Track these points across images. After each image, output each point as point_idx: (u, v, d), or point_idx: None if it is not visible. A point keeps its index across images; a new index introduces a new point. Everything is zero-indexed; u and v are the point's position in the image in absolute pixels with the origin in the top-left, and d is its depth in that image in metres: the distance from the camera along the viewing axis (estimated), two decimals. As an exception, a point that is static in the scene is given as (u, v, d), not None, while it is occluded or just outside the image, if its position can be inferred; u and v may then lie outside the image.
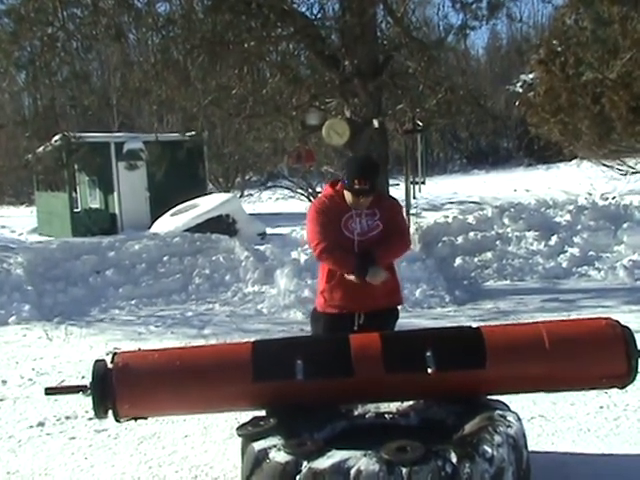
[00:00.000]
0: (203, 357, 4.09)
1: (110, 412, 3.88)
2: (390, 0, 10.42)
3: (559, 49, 15.61)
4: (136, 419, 4.10)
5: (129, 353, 4.26)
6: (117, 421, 3.97)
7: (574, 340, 3.97)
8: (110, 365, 3.91)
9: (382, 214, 4.38)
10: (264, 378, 3.82)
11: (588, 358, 3.92)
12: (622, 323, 4.04)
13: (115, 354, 4.02)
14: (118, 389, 3.82)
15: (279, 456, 3.36)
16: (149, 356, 4.10)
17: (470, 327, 4.25)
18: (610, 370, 3.95)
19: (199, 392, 3.90)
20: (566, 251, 11.03)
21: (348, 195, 4.33)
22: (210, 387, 3.89)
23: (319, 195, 4.66)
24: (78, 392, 3.98)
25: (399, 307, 4.67)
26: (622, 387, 4.08)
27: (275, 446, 3.42)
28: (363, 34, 9.83)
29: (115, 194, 20.18)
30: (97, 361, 3.98)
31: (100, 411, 3.88)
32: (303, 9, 10.62)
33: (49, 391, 4.17)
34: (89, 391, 3.88)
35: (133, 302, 10.48)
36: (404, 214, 4.75)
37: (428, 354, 3.82)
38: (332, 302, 4.45)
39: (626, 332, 3.97)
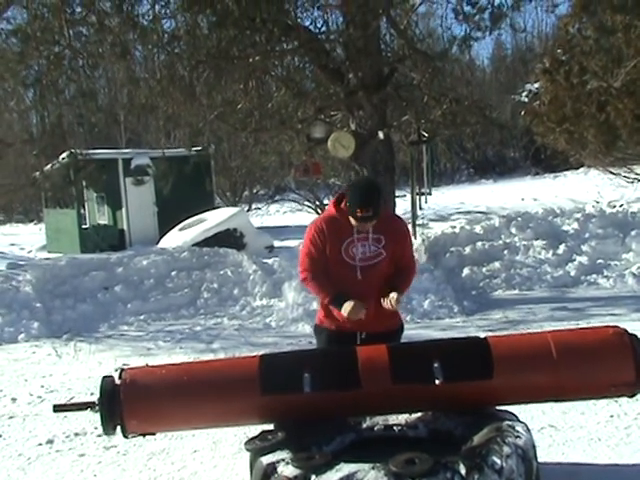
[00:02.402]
0: (211, 372, 4.09)
1: (118, 428, 3.89)
2: (394, 12, 10.44)
3: (563, 58, 15.62)
4: (144, 435, 4.11)
5: (137, 369, 4.27)
6: (125, 437, 3.97)
7: (582, 349, 3.96)
8: (118, 381, 3.91)
9: (388, 241, 4.30)
10: (272, 391, 3.82)
11: (596, 367, 3.90)
12: (630, 331, 4.04)
13: (123, 370, 4.03)
14: (126, 405, 3.82)
15: (287, 470, 3.35)
16: (157, 371, 4.11)
17: (477, 337, 4.24)
18: (619, 379, 3.93)
19: (207, 407, 3.90)
20: (574, 260, 11.01)
21: (353, 221, 4.24)
22: (218, 401, 3.89)
23: (321, 215, 4.53)
24: (86, 409, 3.98)
25: (402, 324, 4.59)
26: (631, 396, 4.07)
27: (283, 460, 3.42)
28: (367, 47, 9.87)
29: (123, 210, 20.26)
30: (105, 377, 3.98)
31: (108, 427, 3.89)
32: (307, 23, 10.66)
33: (57, 408, 4.18)
34: (97, 407, 3.88)
35: (142, 317, 10.50)
36: (411, 237, 4.66)
37: (435, 365, 3.82)
38: (331, 318, 4.41)
39: (634, 340, 3.96)
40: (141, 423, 3.90)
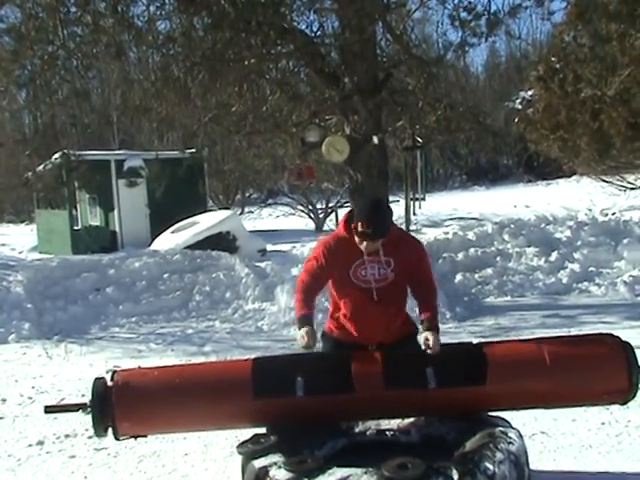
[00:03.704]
0: (203, 375, 4.09)
1: (110, 430, 3.87)
2: (389, 17, 10.43)
3: (558, 66, 15.65)
4: (136, 437, 4.09)
5: (129, 371, 4.25)
6: (117, 439, 3.95)
7: (575, 356, 3.97)
8: (110, 383, 3.90)
9: (397, 264, 4.17)
10: (265, 395, 3.81)
11: (589, 374, 3.92)
12: (623, 339, 4.05)
13: (115, 372, 4.02)
14: (118, 407, 3.81)
15: (280, 474, 3.34)
16: (149, 374, 4.10)
17: (471, 343, 4.25)
18: (611, 386, 3.95)
19: (199, 410, 3.89)
20: (566, 267, 11.02)
21: (356, 237, 4.11)
22: (210, 404, 3.88)
23: (332, 232, 4.40)
24: (78, 410, 3.97)
25: (417, 329, 4.42)
26: (623, 403, 4.08)
27: (276, 464, 3.41)
28: (363, 51, 9.86)
29: (115, 211, 20.19)
30: (97, 379, 3.97)
31: (100, 429, 3.87)
32: (303, 27, 10.62)
33: (48, 409, 4.17)
34: (89, 409, 3.87)
35: (133, 320, 10.47)
36: (427, 257, 4.42)
37: (429, 371, 3.82)
38: (342, 330, 4.31)
39: (627, 348, 3.97)
40: (133, 425, 3.88)
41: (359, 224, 4.04)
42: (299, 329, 4.04)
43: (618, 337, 4.09)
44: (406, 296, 4.38)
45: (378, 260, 4.14)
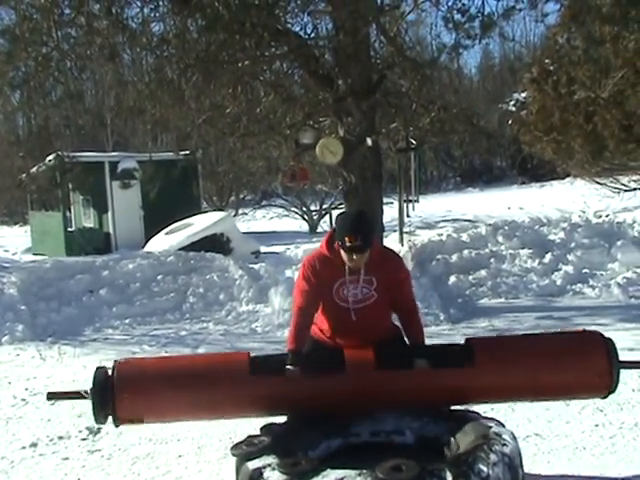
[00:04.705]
0: (202, 360, 4.33)
1: (110, 418, 3.96)
2: (383, 19, 10.44)
3: (551, 68, 15.70)
4: (135, 422, 4.14)
5: (129, 359, 4.36)
6: (116, 426, 4.06)
7: (557, 350, 4.11)
8: (110, 370, 3.99)
9: (380, 282, 4.17)
10: (260, 372, 3.98)
11: (571, 366, 4.03)
12: (614, 340, 4.12)
13: (116, 361, 4.11)
14: (118, 393, 3.91)
15: (274, 475, 3.34)
16: (148, 362, 4.24)
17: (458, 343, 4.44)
18: (592, 380, 4.07)
19: (197, 390, 3.99)
20: (560, 269, 11.04)
21: (343, 254, 4.08)
22: (209, 385, 3.99)
23: (313, 252, 4.37)
24: (79, 397, 4.04)
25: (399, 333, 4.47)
26: (604, 397, 4.24)
27: (270, 465, 3.40)
28: (356, 53, 9.86)
29: (109, 213, 20.15)
30: (98, 368, 4.08)
31: (100, 416, 3.95)
32: (297, 29, 10.62)
33: (50, 396, 4.24)
34: (89, 395, 3.94)
35: (127, 321, 10.45)
36: (408, 273, 4.45)
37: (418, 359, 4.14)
38: (323, 333, 4.37)
39: (608, 343, 4.08)
40: (132, 411, 3.97)
41: (345, 239, 4.00)
42: (289, 362, 4.08)
43: (600, 332, 4.19)
44: (389, 312, 4.41)
45: (363, 279, 4.15)
